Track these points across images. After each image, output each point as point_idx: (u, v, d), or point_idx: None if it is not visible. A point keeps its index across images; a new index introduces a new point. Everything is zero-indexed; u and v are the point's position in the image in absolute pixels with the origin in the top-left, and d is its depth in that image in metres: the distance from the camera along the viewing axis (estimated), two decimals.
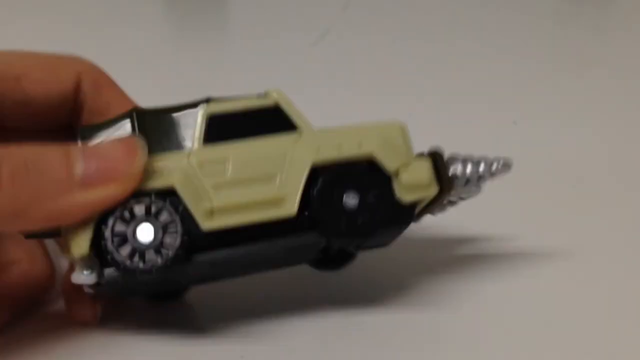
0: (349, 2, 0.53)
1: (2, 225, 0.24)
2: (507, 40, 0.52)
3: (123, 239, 0.24)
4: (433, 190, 0.27)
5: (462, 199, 0.30)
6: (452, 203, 0.30)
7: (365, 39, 0.51)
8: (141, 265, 0.24)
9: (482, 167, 0.28)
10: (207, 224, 0.25)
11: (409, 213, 0.26)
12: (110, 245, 0.24)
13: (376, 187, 0.26)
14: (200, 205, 0.25)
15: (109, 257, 0.24)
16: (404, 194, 0.26)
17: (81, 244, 0.24)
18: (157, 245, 0.24)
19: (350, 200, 0.26)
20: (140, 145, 0.24)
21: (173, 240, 0.24)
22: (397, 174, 0.26)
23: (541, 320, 0.29)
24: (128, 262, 0.24)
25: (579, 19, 0.55)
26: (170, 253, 0.24)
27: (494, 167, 0.28)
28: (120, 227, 0.24)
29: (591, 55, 0.51)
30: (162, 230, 0.24)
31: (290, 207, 0.25)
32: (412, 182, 0.26)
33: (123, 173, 0.24)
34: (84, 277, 0.25)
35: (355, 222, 0.26)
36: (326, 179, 0.25)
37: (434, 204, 0.28)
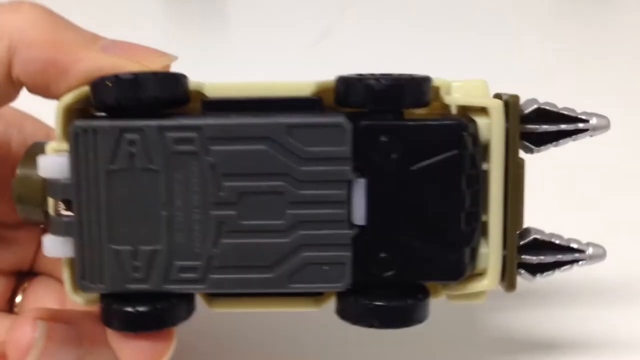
0: (349, 1, 0.53)
1: None
2: (508, 38, 0.52)
3: None
4: None
5: None
6: None
7: (366, 38, 0.51)
8: None
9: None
10: None
11: None
12: None
13: None
14: None
15: None
16: None
17: None
18: None
19: None
20: None
21: None
22: None
23: None
24: None
25: (579, 16, 0.55)
26: None
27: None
28: None
29: (592, 52, 0.51)
30: None
31: None
32: None
33: None
34: None
35: None
36: None
37: None
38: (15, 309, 0.32)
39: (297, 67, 0.46)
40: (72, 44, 0.26)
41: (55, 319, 0.26)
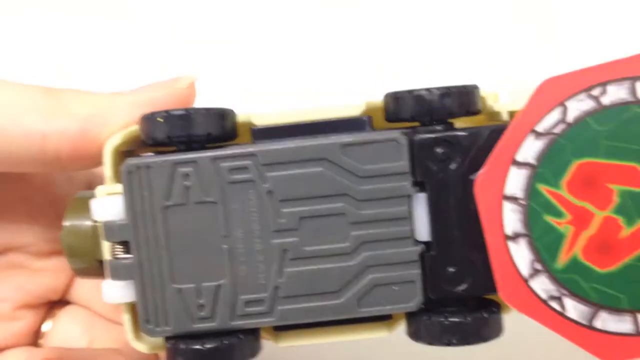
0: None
1: None
2: (515, 35, 0.52)
3: None
4: None
5: None
6: None
7: (382, 36, 0.51)
8: None
9: None
10: None
11: None
12: None
13: None
14: None
15: None
16: None
17: None
18: None
19: None
20: None
21: None
22: None
23: None
24: None
25: None
26: None
27: None
28: None
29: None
30: None
31: None
32: None
33: None
34: None
35: None
36: None
37: None
38: (41, 340, 0.31)
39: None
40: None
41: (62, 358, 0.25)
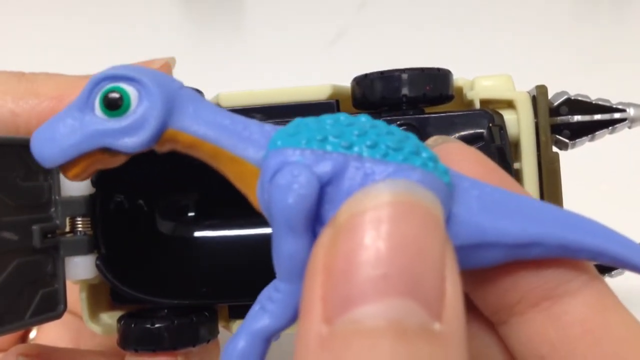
0: (365, 1, 0.53)
1: None
2: (526, 38, 0.50)
3: None
4: None
5: None
6: None
7: (382, 37, 0.50)
8: None
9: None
10: None
11: None
12: None
13: None
14: None
15: None
16: None
17: None
18: None
19: None
20: None
21: None
22: None
23: None
24: None
25: (596, 15, 0.54)
26: None
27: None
28: None
29: (610, 51, 0.49)
30: None
31: None
32: None
33: None
34: None
35: None
36: None
37: None
38: None
39: (314, 66, 0.46)
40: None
41: (40, 356, 0.25)
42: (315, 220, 0.15)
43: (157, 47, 0.49)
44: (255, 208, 0.16)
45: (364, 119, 0.16)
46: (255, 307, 0.16)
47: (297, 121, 0.16)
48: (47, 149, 0.17)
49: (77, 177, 0.17)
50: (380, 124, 0.16)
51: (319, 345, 0.13)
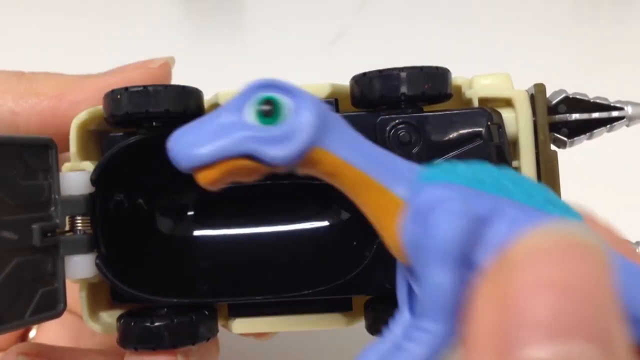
0: (365, 1, 0.53)
1: None
2: (526, 37, 0.51)
3: None
4: None
5: None
6: None
7: (382, 37, 0.50)
8: None
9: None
10: None
11: None
12: None
13: None
14: None
15: None
16: None
17: None
18: None
19: None
20: None
21: None
22: None
23: None
24: None
25: (596, 14, 0.54)
26: None
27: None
28: None
29: (611, 51, 0.50)
30: None
31: None
32: None
33: None
34: None
35: None
36: None
37: None
38: None
39: (313, 66, 0.46)
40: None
41: (40, 355, 0.25)
42: (462, 260, 0.15)
43: (156, 46, 0.49)
44: (385, 240, 0.16)
45: (507, 169, 0.16)
46: (386, 344, 0.15)
47: (446, 162, 0.16)
48: (188, 149, 0.16)
49: (212, 183, 0.16)
50: (523, 177, 0.16)
51: None
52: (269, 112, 0.16)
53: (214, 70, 0.45)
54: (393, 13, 0.52)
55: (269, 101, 0.16)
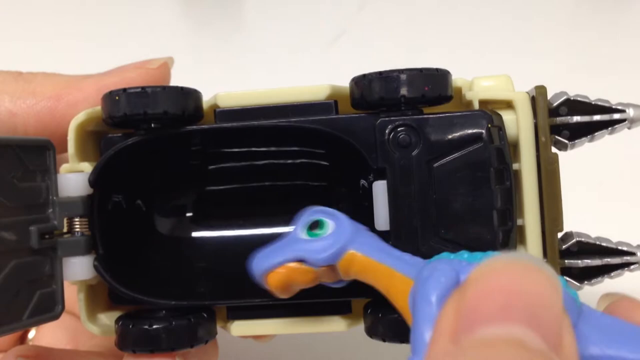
0: (365, 1, 0.53)
1: None
2: (525, 40, 0.50)
3: None
4: None
5: None
6: None
7: (382, 38, 0.50)
8: None
9: None
10: None
11: None
12: None
13: None
14: None
15: None
16: None
17: None
18: None
19: None
20: None
21: None
22: None
23: None
24: None
25: (597, 15, 0.53)
26: None
27: None
28: None
29: (610, 51, 0.49)
30: None
31: None
32: None
33: None
34: None
35: None
36: None
37: None
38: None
39: (313, 66, 0.46)
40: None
41: (39, 356, 0.25)
42: None
43: (156, 46, 0.49)
44: (402, 313, 0.20)
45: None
46: None
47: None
48: (259, 260, 0.22)
49: (278, 285, 0.21)
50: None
51: (445, 355, 0.15)
52: (316, 228, 0.22)
53: (213, 70, 0.45)
54: (393, 13, 0.52)
55: (316, 222, 0.22)
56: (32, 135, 0.27)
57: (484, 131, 0.24)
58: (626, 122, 0.26)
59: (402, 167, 0.24)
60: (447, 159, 0.24)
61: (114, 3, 0.53)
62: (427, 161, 0.24)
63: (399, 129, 0.24)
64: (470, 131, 0.24)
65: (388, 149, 0.24)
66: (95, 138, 0.27)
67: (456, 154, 0.24)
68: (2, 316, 0.22)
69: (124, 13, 0.53)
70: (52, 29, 0.51)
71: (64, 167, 0.25)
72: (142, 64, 0.27)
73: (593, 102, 0.26)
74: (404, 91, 0.24)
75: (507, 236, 0.24)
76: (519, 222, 0.25)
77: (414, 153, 0.24)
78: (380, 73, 0.24)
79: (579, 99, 0.26)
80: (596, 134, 0.26)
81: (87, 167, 0.25)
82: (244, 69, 0.46)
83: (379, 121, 0.24)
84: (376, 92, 0.24)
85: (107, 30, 0.51)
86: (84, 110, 0.26)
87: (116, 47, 0.49)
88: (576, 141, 0.26)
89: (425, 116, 0.24)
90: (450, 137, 0.24)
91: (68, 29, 0.51)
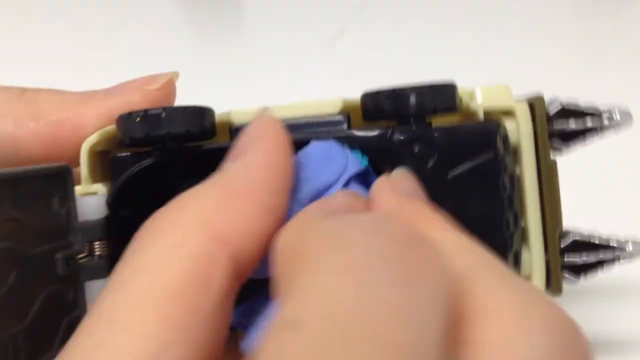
0: (365, 1, 0.53)
1: None
2: (527, 38, 0.52)
3: None
4: None
5: None
6: None
7: (382, 38, 0.51)
8: None
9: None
10: None
11: None
12: None
13: None
14: None
15: None
16: None
17: None
18: None
19: None
20: None
21: None
22: None
23: None
24: None
25: (598, 15, 0.55)
26: None
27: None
28: None
29: (612, 53, 0.51)
30: None
31: None
32: None
33: None
34: None
35: None
36: None
37: None
38: None
39: (313, 67, 0.46)
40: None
41: None
42: None
43: (156, 47, 0.48)
44: None
45: None
46: None
47: None
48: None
49: None
50: None
51: None
52: None
53: (214, 71, 0.44)
54: (394, 14, 0.52)
55: None
56: (34, 158, 0.26)
57: (494, 142, 0.25)
58: (614, 124, 0.28)
59: (419, 179, 0.25)
60: (460, 170, 0.25)
61: (115, 5, 0.51)
62: (442, 173, 0.25)
63: (413, 143, 0.25)
64: (481, 141, 0.25)
65: (404, 162, 0.25)
66: (100, 157, 0.26)
67: (468, 164, 0.25)
68: (38, 350, 0.22)
69: (125, 15, 0.51)
70: (53, 32, 0.49)
71: (77, 190, 0.25)
72: (145, 83, 0.27)
73: (585, 109, 0.28)
74: (415, 106, 0.25)
75: (513, 240, 0.26)
76: (522, 223, 0.26)
77: (429, 165, 0.25)
78: (392, 90, 0.25)
79: (571, 107, 0.27)
80: (589, 138, 0.28)
81: (101, 188, 0.25)
82: (244, 68, 0.46)
83: (391, 135, 0.25)
84: (388, 106, 0.25)
85: (107, 33, 0.50)
86: (86, 134, 0.26)
87: (117, 54, 0.48)
88: (570, 145, 0.28)
89: (437, 128, 0.25)
90: (462, 148, 0.25)
91: (69, 33, 0.49)
